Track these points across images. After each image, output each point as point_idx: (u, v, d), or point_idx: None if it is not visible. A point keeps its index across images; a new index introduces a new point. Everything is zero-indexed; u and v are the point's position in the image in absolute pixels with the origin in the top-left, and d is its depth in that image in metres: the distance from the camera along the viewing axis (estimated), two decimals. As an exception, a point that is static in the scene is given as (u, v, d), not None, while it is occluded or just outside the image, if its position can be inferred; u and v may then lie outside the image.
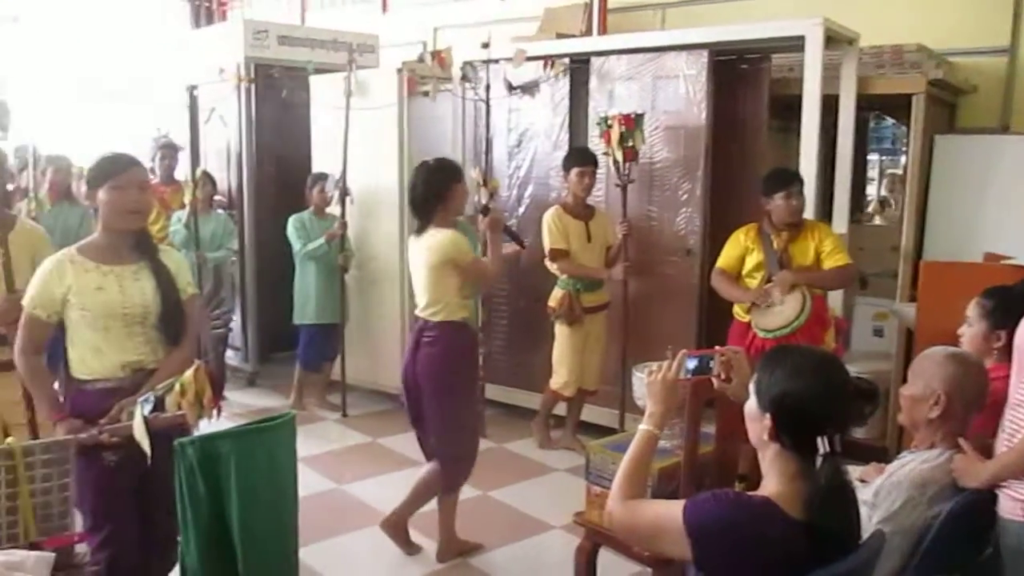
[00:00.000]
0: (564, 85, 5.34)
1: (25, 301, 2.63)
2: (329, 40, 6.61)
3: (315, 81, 6.01)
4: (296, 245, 5.70)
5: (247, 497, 2.25)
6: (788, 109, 5.02)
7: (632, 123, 4.66)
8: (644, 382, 2.15)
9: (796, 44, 4.57)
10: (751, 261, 4.17)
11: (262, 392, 6.43)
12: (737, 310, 4.30)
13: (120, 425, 2.49)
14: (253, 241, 6.47)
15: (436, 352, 3.60)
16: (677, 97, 4.87)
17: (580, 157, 4.87)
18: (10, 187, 5.91)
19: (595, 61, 5.19)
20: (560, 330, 4.99)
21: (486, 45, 5.16)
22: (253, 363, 6.61)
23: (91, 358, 2.64)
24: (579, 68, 5.33)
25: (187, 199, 5.82)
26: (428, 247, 3.53)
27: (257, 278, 6.51)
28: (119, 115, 8.26)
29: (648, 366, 2.22)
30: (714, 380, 2.26)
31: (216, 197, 6.54)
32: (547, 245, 4.89)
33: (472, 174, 5.07)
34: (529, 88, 5.51)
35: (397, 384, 4.09)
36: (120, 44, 9.32)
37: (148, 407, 2.36)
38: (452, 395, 3.63)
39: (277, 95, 6.21)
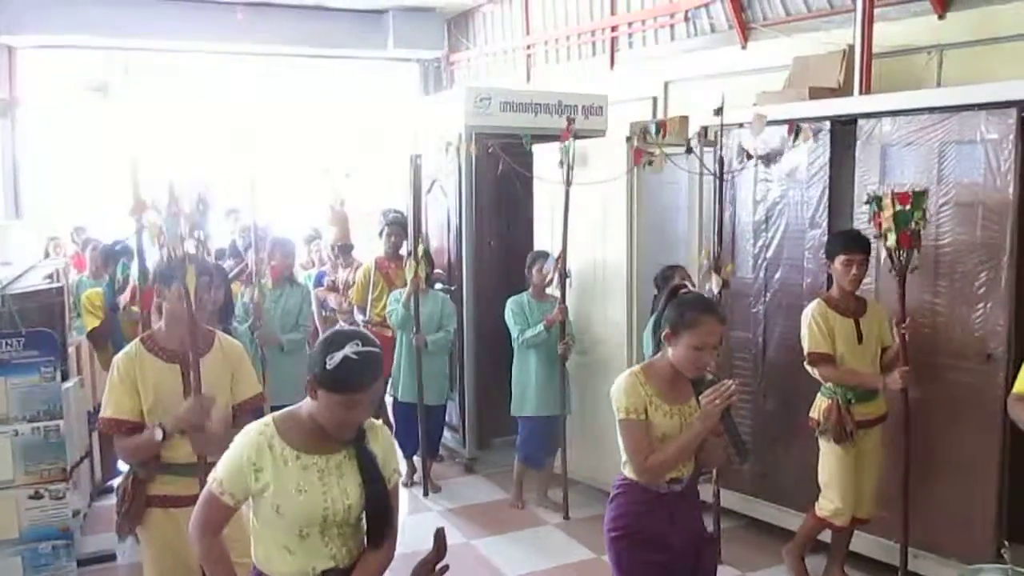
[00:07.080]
0: (823, 152, 4.54)
1: (211, 478, 2.23)
2: (554, 103, 6.21)
3: (538, 151, 5.58)
4: (514, 331, 5.29)
5: None
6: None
7: (910, 200, 3.77)
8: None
9: None
10: None
11: (480, 482, 6.05)
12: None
13: None
14: (472, 319, 6.13)
15: (609, 512, 3.05)
16: (973, 167, 3.94)
17: (847, 243, 4.04)
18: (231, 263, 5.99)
19: (862, 124, 4.36)
20: (828, 447, 4.13)
21: (719, 111, 4.41)
22: (471, 448, 6.26)
23: (277, 558, 2.23)
24: (843, 130, 4.51)
25: (408, 277, 5.56)
26: None
27: (476, 358, 6.15)
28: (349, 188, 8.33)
29: None
30: None
31: (436, 271, 6.30)
32: (807, 347, 4.11)
33: (699, 257, 4.37)
34: (773, 158, 4.74)
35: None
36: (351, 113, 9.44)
37: None
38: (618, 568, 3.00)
39: (498, 165, 5.85)
